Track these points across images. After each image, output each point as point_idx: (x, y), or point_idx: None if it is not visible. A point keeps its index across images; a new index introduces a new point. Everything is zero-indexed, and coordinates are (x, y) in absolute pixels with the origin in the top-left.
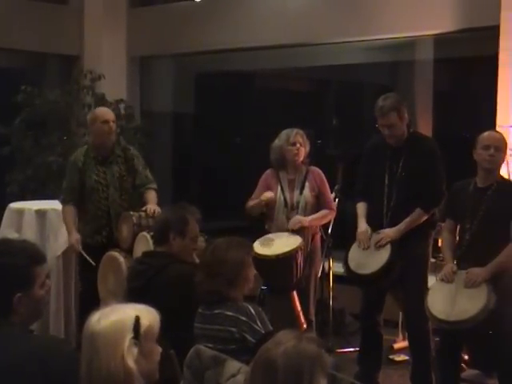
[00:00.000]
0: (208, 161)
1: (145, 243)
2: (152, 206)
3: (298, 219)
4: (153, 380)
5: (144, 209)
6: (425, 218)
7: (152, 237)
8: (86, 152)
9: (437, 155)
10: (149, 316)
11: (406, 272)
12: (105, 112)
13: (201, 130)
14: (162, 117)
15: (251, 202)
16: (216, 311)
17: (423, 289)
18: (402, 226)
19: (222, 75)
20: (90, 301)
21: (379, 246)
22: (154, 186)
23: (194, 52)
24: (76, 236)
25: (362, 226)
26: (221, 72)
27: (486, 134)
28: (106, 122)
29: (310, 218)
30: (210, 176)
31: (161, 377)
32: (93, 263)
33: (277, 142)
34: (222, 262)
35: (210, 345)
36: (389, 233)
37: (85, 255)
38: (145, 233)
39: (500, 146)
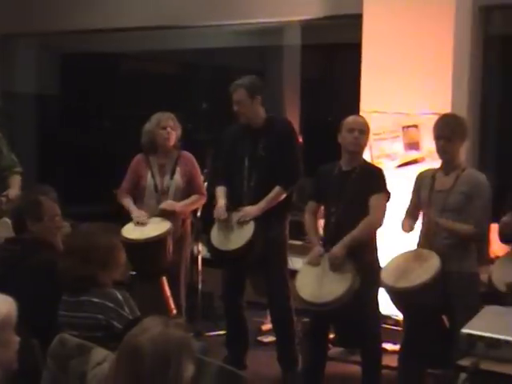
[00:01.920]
0: (75, 144)
1: (6, 229)
2: (14, 191)
3: (171, 202)
4: (10, 369)
5: (5, 193)
6: (284, 195)
7: None
8: None
9: (293, 136)
10: (5, 305)
11: (266, 255)
12: None
13: (67, 112)
14: (25, 98)
15: (127, 203)
16: (82, 298)
17: (283, 270)
18: (262, 203)
19: (89, 56)
20: None
21: (241, 222)
22: (19, 169)
23: (59, 31)
24: None
25: (221, 201)
26: (88, 53)
27: (350, 118)
28: None
29: (182, 203)
30: (78, 160)
31: (21, 367)
32: None
33: (147, 126)
34: (96, 247)
35: (75, 333)
36: (250, 210)
37: None
38: (6, 218)
39: (364, 130)
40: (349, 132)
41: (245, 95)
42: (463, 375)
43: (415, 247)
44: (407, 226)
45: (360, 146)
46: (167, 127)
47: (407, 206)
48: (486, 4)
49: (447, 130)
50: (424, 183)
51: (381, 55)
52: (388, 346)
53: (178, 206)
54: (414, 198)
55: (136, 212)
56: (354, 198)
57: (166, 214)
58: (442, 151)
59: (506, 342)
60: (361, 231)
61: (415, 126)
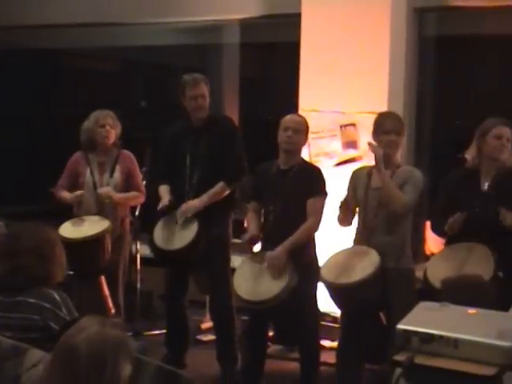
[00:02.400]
0: (11, 142)
1: None
2: None
3: (109, 189)
4: None
5: None
6: (227, 191)
7: None
8: None
9: (237, 133)
10: None
11: (209, 253)
12: None
13: (2, 109)
14: None
15: (64, 194)
16: (18, 298)
17: (226, 269)
18: (204, 197)
19: (27, 52)
20: None
21: (185, 221)
22: None
23: None
24: None
25: (165, 198)
26: (26, 49)
27: (287, 116)
28: None
29: (120, 195)
30: (13, 158)
31: None
32: None
33: (86, 124)
34: (50, 244)
35: (9, 334)
36: (192, 203)
37: None
38: None
39: (299, 129)
40: (284, 130)
41: (206, 89)
42: (398, 370)
43: (352, 244)
44: (344, 221)
45: (294, 145)
46: (106, 125)
47: (341, 200)
48: (421, 5)
49: (398, 125)
50: (360, 181)
51: (319, 54)
52: (326, 342)
53: (117, 195)
54: (349, 195)
55: (71, 194)
56: (291, 196)
57: (103, 202)
58: (391, 145)
59: (440, 336)
60: (300, 236)
61: (353, 125)
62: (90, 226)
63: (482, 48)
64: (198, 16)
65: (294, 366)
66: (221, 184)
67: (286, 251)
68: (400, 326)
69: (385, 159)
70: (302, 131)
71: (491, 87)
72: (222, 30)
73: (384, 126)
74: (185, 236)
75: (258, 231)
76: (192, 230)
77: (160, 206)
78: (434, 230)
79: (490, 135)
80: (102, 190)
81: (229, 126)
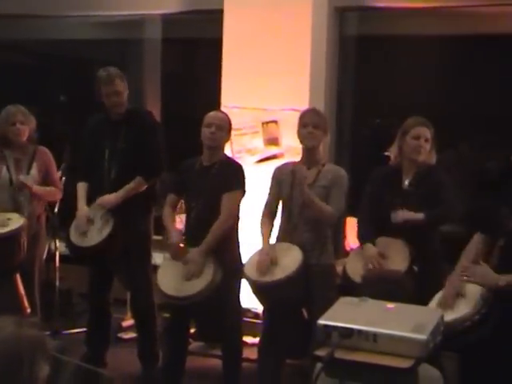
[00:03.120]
0: None
1: None
2: None
3: (26, 177)
4: None
5: None
6: (145, 186)
7: None
8: None
9: (156, 127)
10: None
11: (129, 249)
12: None
13: None
14: None
15: None
16: None
17: (147, 265)
18: (120, 192)
19: None
20: None
21: (101, 218)
22: None
23: None
24: None
25: (82, 207)
26: None
27: (211, 113)
28: None
29: (38, 187)
30: None
31: None
32: None
33: None
34: None
35: None
36: (107, 198)
37: None
38: None
39: (222, 125)
40: (207, 127)
41: (123, 86)
42: (319, 365)
43: (275, 241)
44: (266, 233)
45: (217, 141)
46: (16, 123)
47: (266, 201)
48: (342, 5)
49: (315, 118)
50: (284, 178)
51: (241, 51)
52: (248, 338)
53: (33, 187)
54: (273, 193)
55: None
56: (213, 193)
57: (19, 195)
58: (308, 138)
59: (359, 331)
60: (214, 235)
61: (275, 122)
62: (4, 223)
63: (402, 48)
64: (120, 10)
65: (216, 362)
66: (138, 179)
67: (201, 253)
68: (320, 322)
69: (308, 155)
70: (225, 128)
71: (411, 86)
72: (143, 25)
73: (303, 119)
74: (100, 232)
75: (179, 236)
76: (108, 226)
77: (76, 221)
78: (360, 239)
79: (409, 135)
80: (21, 178)
81: (148, 120)
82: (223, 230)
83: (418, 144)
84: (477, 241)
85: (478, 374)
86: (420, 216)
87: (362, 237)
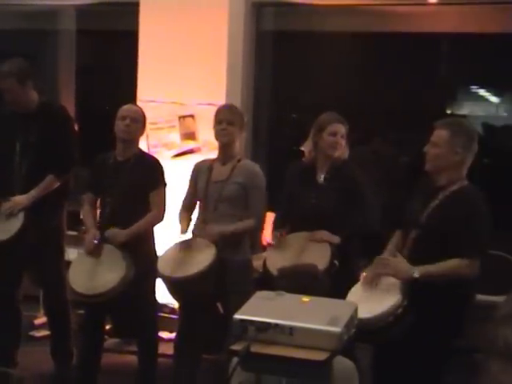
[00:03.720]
0: None
1: None
2: None
3: None
4: None
5: None
6: (57, 184)
7: None
8: None
9: (68, 122)
10: None
11: (41, 245)
12: None
13: None
14: None
15: None
16: None
17: (60, 261)
18: (32, 192)
19: None
20: None
21: (10, 214)
22: None
23: None
24: None
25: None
26: None
27: (125, 106)
28: None
29: None
30: None
31: None
32: None
33: None
34: None
35: None
36: (19, 200)
37: None
38: None
39: (136, 118)
40: (121, 120)
41: (14, 84)
42: (235, 359)
43: (191, 236)
44: (184, 225)
45: (131, 134)
46: None
47: (184, 196)
48: (259, 0)
49: (229, 114)
50: (201, 174)
51: (158, 45)
52: (164, 334)
53: None
54: (190, 189)
55: None
56: (129, 188)
57: None
58: (221, 134)
59: (275, 325)
60: (144, 224)
61: (191, 116)
62: None
63: (319, 44)
64: (34, 0)
65: (132, 358)
66: (49, 177)
67: (130, 234)
68: (236, 316)
69: (224, 151)
70: (139, 121)
71: (327, 82)
72: (57, 16)
73: (217, 116)
74: (9, 228)
75: (92, 224)
76: (17, 222)
77: None
78: (275, 228)
79: (326, 132)
80: None
81: (60, 114)
82: (152, 224)
83: (334, 140)
84: (396, 235)
85: (391, 365)
86: (336, 240)
87: (278, 225)
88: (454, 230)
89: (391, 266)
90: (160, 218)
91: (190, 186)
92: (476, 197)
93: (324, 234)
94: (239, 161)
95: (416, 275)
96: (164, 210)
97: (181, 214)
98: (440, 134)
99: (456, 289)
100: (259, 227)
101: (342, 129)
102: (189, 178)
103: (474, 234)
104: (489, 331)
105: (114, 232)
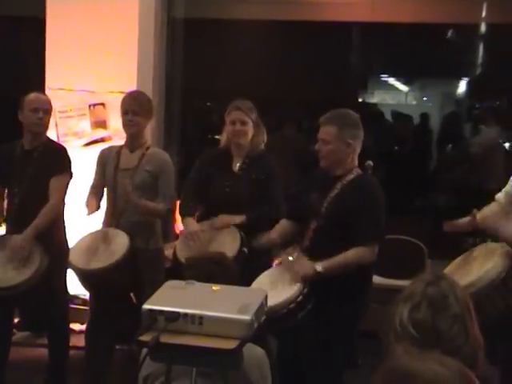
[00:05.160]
0: None
1: None
2: None
3: None
4: None
5: None
6: None
7: None
8: None
9: None
10: None
11: None
12: None
13: None
14: None
15: None
16: None
17: None
18: None
19: None
20: None
21: None
22: None
23: None
24: None
25: None
26: None
27: (32, 95)
28: None
29: None
30: None
31: None
32: None
33: None
34: None
35: None
36: None
37: None
38: None
39: (48, 109)
40: (33, 112)
41: None
42: (145, 350)
43: (101, 226)
44: (92, 206)
45: (44, 126)
46: None
47: (91, 184)
48: None
49: (135, 104)
50: (109, 161)
51: (66, 32)
52: (76, 326)
53: None
54: (97, 176)
55: None
56: (36, 178)
57: None
58: (128, 125)
59: (185, 314)
60: (42, 219)
61: (102, 105)
62: None
63: (230, 32)
64: None
65: (42, 352)
66: None
67: (29, 238)
68: (145, 306)
69: (131, 139)
70: (50, 111)
71: (240, 70)
72: None
73: (123, 106)
74: None
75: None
76: None
77: None
78: (181, 213)
79: (227, 120)
80: None
81: None
82: (52, 215)
83: (233, 129)
84: (281, 224)
85: (296, 352)
86: (238, 220)
87: (184, 211)
88: (353, 218)
89: (295, 267)
90: (57, 205)
91: (96, 173)
92: (372, 184)
93: (224, 218)
94: (147, 149)
95: (319, 269)
96: (62, 199)
97: (88, 199)
98: (327, 130)
99: (355, 274)
100: (169, 212)
101: (241, 116)
102: (95, 164)
103: (372, 220)
104: (389, 311)
105: (15, 241)
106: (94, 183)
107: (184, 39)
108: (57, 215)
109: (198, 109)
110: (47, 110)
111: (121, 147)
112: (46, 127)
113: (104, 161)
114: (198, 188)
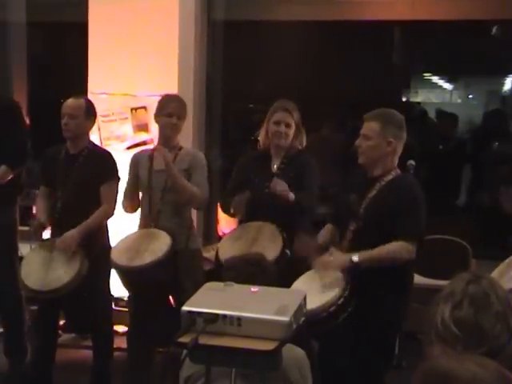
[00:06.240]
0: None
1: None
2: None
3: None
4: None
5: None
6: (10, 176)
7: None
8: None
9: (19, 115)
10: None
11: None
12: None
13: None
14: None
15: None
16: None
17: (12, 257)
18: None
19: None
20: None
21: None
22: None
23: None
24: None
25: None
26: None
27: (66, 101)
28: None
29: None
30: None
31: None
32: None
33: None
34: None
35: None
36: None
37: None
38: None
39: (73, 114)
40: (61, 118)
41: None
42: (185, 351)
43: (138, 228)
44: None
45: (71, 132)
46: None
47: (125, 188)
48: None
49: (180, 108)
50: (142, 164)
51: (108, 36)
52: (120, 328)
53: None
54: (131, 180)
55: None
56: (81, 182)
57: None
58: (172, 128)
59: (223, 316)
60: (95, 221)
61: (144, 108)
62: None
63: (270, 33)
64: None
65: (87, 353)
66: (3, 168)
67: (78, 234)
68: (185, 308)
69: (165, 141)
70: (79, 115)
71: (280, 70)
72: (7, 8)
73: (167, 108)
74: None
75: (45, 217)
76: None
77: None
78: (224, 210)
79: (272, 121)
80: None
81: (10, 107)
82: (104, 219)
83: (277, 130)
84: (326, 228)
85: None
86: (292, 196)
87: (227, 210)
88: (392, 218)
89: (331, 264)
90: (110, 212)
91: (130, 178)
92: (411, 184)
93: (284, 185)
94: (180, 149)
95: (355, 259)
96: (115, 204)
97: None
98: (370, 126)
99: (396, 275)
100: (204, 200)
101: (286, 118)
102: (128, 168)
103: (411, 219)
104: (430, 311)
105: (65, 238)
106: (127, 188)
107: (224, 41)
108: (107, 220)
109: (238, 110)
110: (71, 115)
111: (153, 150)
112: (78, 131)
113: (137, 164)
114: (239, 189)
